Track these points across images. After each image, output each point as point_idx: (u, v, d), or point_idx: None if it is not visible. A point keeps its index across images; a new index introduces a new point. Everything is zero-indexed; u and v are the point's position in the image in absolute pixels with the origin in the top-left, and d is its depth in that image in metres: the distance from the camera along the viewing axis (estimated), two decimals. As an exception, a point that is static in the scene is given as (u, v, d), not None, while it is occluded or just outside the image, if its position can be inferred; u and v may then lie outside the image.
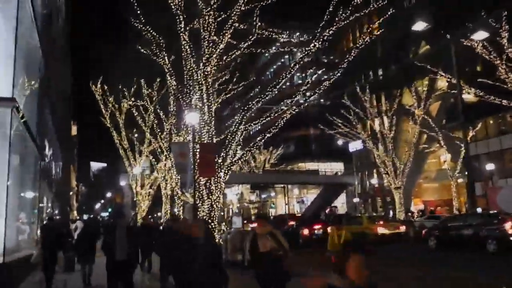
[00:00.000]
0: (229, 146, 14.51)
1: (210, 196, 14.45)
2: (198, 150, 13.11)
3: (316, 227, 21.41)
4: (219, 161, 14.35)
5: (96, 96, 29.89)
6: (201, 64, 14.31)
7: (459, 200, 43.47)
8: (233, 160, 15.00)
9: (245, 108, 14.54)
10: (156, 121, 23.90)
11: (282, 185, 52.03)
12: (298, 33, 54.47)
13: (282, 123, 15.10)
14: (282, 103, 15.94)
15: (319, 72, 40.17)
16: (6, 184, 9.68)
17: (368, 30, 17.60)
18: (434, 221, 27.89)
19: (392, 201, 46.75)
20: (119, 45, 28.10)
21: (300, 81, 64.12)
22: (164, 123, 23.47)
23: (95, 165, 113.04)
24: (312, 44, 15.40)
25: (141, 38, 17.05)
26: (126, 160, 31.22)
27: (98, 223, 24.71)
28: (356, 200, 51.94)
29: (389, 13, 15.40)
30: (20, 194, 13.18)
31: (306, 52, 15.38)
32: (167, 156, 22.03)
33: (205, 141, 14.14)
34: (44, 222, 16.50)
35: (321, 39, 15.46)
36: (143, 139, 29.93)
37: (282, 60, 74.47)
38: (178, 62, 16.22)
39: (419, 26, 19.47)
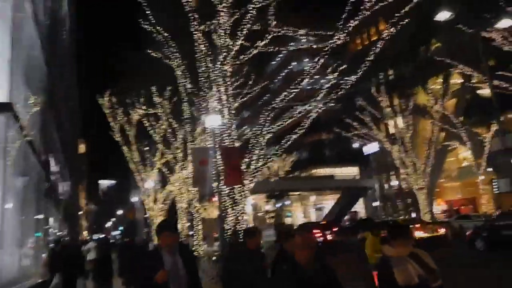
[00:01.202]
0: (253, 150, 13.16)
1: (235, 207, 13.08)
2: (220, 156, 11.77)
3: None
4: (243, 167, 13.00)
5: (103, 109, 28.81)
6: (219, 63, 13.03)
7: (484, 198, 41.81)
8: (258, 166, 13.64)
9: (269, 107, 13.22)
10: (169, 130, 22.43)
11: (298, 193, 50.47)
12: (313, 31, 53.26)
13: (308, 124, 13.83)
14: (305, 104, 14.59)
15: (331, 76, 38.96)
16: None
17: (392, 21, 16.29)
18: (468, 221, 26.31)
19: (414, 202, 45.21)
20: (128, 54, 26.95)
21: (309, 87, 62.78)
22: (177, 133, 22.05)
23: (104, 183, 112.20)
24: (336, 37, 14.17)
25: (153, 43, 15.92)
26: (138, 174, 29.96)
27: (111, 244, 22.83)
28: (376, 203, 50.17)
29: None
30: (22, 217, 11.89)
31: (330, 45, 14.10)
32: (183, 165, 20.68)
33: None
34: (51, 245, 15.17)
35: (345, 30, 14.22)
36: (155, 152, 28.67)
37: (290, 66, 73.17)
38: (191, 65, 15.03)
39: (443, 15, 17.96)
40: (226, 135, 12.94)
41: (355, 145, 52.14)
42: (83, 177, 68.96)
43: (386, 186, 50.67)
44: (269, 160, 13.87)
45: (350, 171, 61.45)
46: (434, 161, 36.65)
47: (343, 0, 14.36)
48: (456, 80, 44.41)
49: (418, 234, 18.01)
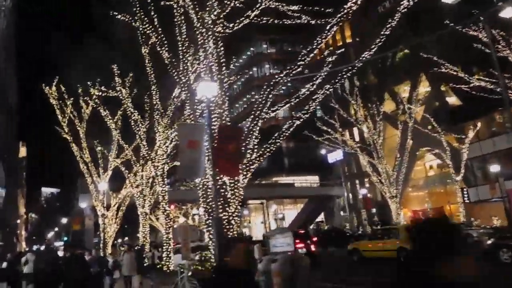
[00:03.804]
0: (250, 136, 10.40)
1: (227, 208, 10.19)
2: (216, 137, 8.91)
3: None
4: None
5: (51, 100, 24.94)
6: (210, 22, 10.20)
7: (453, 207, 41.25)
8: (252, 158, 10.87)
9: (272, 82, 10.55)
10: (134, 115, 18.86)
11: (259, 202, 47.86)
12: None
13: (314, 108, 11.30)
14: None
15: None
16: None
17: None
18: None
19: (380, 211, 44.01)
20: (75, 39, 23.54)
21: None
22: (140, 121, 18.57)
23: (47, 190, 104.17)
24: (339, 15, 11.79)
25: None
26: (89, 176, 26.15)
27: (56, 256, 18.62)
28: (343, 214, 48.48)
29: None
30: None
31: (332, 24, 11.65)
32: (152, 159, 17.39)
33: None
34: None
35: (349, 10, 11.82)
36: (110, 149, 25.06)
37: (250, 72, 71.08)
38: (168, 30, 12.11)
39: (449, -2, 16.26)
40: (216, 115, 10.09)
41: (321, 152, 50.67)
42: (22, 184, 62.78)
43: (350, 195, 49.27)
44: (266, 151, 11.12)
45: (311, 180, 59.96)
46: (405, 169, 35.53)
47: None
48: (424, 87, 44.08)
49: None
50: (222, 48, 10.46)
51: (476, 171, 37.17)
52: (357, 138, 45.92)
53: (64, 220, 60.16)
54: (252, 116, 10.65)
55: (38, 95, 24.30)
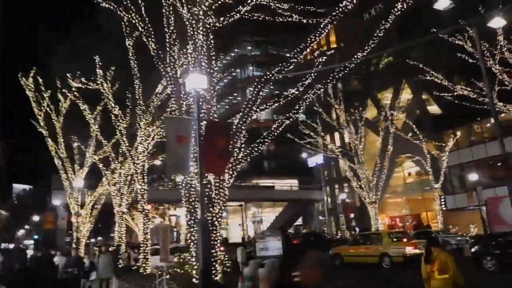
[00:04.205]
0: (238, 134, 9.98)
1: (211, 209, 9.74)
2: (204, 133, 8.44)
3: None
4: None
5: (27, 92, 23.95)
6: (201, 13, 9.74)
7: (430, 214, 41.67)
8: (239, 157, 10.45)
9: (263, 78, 10.16)
10: (115, 110, 18.08)
11: (238, 204, 47.38)
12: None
13: (303, 108, 10.96)
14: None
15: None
16: None
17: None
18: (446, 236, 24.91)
19: (358, 216, 44.11)
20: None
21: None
22: (121, 119, 17.84)
23: (19, 187, 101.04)
24: (334, 13, 11.48)
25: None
26: (64, 172, 25.18)
27: (25, 256, 17.47)
28: (321, 218, 48.37)
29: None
30: None
31: (327, 22, 11.34)
32: (131, 155, 16.71)
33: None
34: None
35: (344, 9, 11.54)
36: (87, 145, 24.18)
37: (234, 74, 70.56)
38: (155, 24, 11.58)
39: (443, 3, 16.14)
40: (204, 110, 9.62)
41: (301, 156, 50.57)
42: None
43: (329, 199, 49.27)
44: (254, 150, 10.70)
45: (290, 183, 59.86)
46: (379, 176, 35.60)
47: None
48: (406, 95, 44.49)
49: (409, 250, 15.67)
50: (212, 41, 10.02)
51: (454, 179, 37.64)
52: (338, 143, 46.01)
53: (36, 218, 58.30)
54: (240, 114, 10.22)
55: (13, 86, 23.26)
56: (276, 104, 12.01)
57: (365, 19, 45.79)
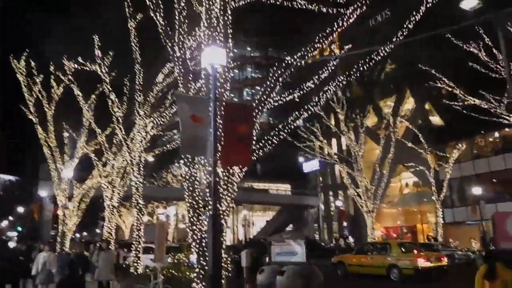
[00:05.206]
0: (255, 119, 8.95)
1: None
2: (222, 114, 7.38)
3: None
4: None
5: (18, 76, 22.69)
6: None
7: (422, 226, 40.97)
8: (254, 149, 9.37)
9: (284, 64, 9.15)
10: (112, 95, 16.81)
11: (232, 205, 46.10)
12: None
13: (323, 100, 9.97)
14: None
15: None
16: None
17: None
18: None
19: (352, 225, 43.24)
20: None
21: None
22: (117, 107, 16.59)
23: (5, 177, 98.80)
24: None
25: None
26: (52, 162, 23.89)
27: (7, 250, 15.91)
28: (315, 225, 47.38)
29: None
30: None
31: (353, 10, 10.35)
32: (127, 145, 15.51)
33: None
34: None
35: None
36: (80, 134, 22.91)
37: (232, 75, 69.53)
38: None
39: (470, 3, 15.21)
40: (220, 90, 8.53)
41: (297, 161, 49.72)
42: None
43: (323, 206, 48.35)
44: (268, 143, 9.63)
45: (283, 188, 58.88)
46: (384, 183, 34.74)
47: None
48: (408, 105, 43.88)
49: (422, 263, 14.67)
50: (230, 17, 9.00)
51: (454, 192, 36.91)
52: (335, 149, 45.12)
53: (21, 209, 56.57)
54: (257, 101, 9.17)
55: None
56: (291, 97, 11.00)
57: (371, 25, 45.09)
